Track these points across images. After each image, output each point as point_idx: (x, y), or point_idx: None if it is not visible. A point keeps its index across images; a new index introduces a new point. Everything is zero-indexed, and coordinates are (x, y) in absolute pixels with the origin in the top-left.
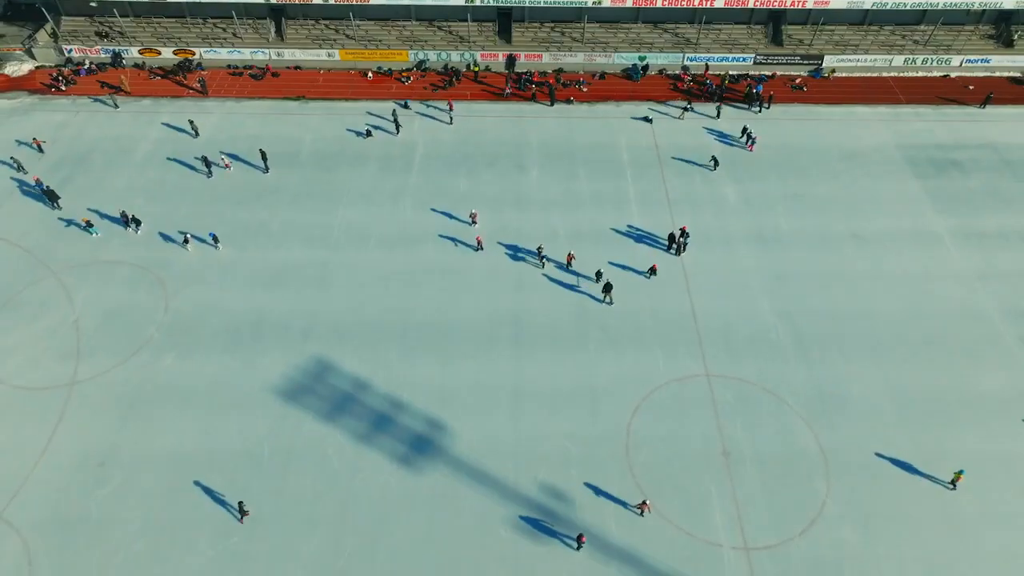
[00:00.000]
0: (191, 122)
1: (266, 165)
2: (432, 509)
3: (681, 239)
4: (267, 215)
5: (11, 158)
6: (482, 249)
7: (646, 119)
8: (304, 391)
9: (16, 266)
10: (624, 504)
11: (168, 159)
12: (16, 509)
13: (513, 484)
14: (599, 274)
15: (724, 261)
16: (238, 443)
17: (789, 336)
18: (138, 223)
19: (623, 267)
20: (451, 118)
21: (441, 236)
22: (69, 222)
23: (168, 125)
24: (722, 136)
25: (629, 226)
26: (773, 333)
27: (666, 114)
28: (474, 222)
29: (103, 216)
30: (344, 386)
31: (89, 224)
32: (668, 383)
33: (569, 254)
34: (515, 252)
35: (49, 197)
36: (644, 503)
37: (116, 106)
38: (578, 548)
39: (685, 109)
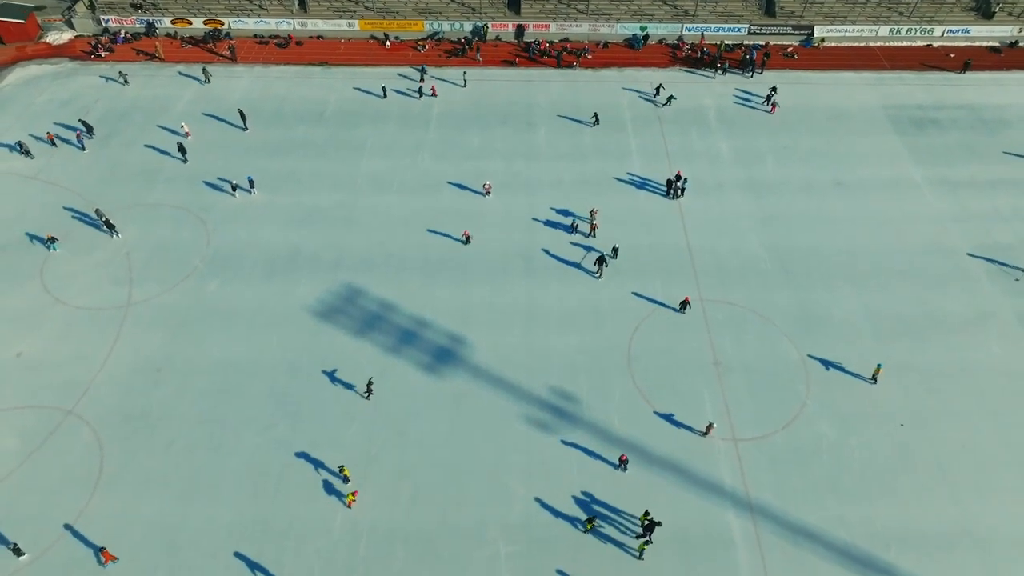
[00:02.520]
0: (204, 70)
1: (245, 124)
2: (455, 406)
3: (678, 183)
4: (296, 165)
5: (18, 143)
6: (469, 243)
7: (657, 92)
8: (337, 312)
9: (70, 206)
10: (626, 402)
11: (203, 115)
12: (85, 406)
13: (527, 387)
14: (616, 250)
15: (717, 205)
16: (279, 354)
17: (776, 267)
18: (112, 227)
19: (652, 299)
20: (465, 82)
21: (457, 185)
22: (33, 236)
23: (200, 80)
24: (723, 98)
25: (630, 174)
26: (762, 265)
27: (694, 73)
28: (487, 193)
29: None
30: (372, 308)
31: (52, 239)
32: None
33: (592, 224)
34: (526, 198)
35: (88, 130)
36: (710, 425)
37: (126, 83)
38: (619, 467)
39: (716, 70)
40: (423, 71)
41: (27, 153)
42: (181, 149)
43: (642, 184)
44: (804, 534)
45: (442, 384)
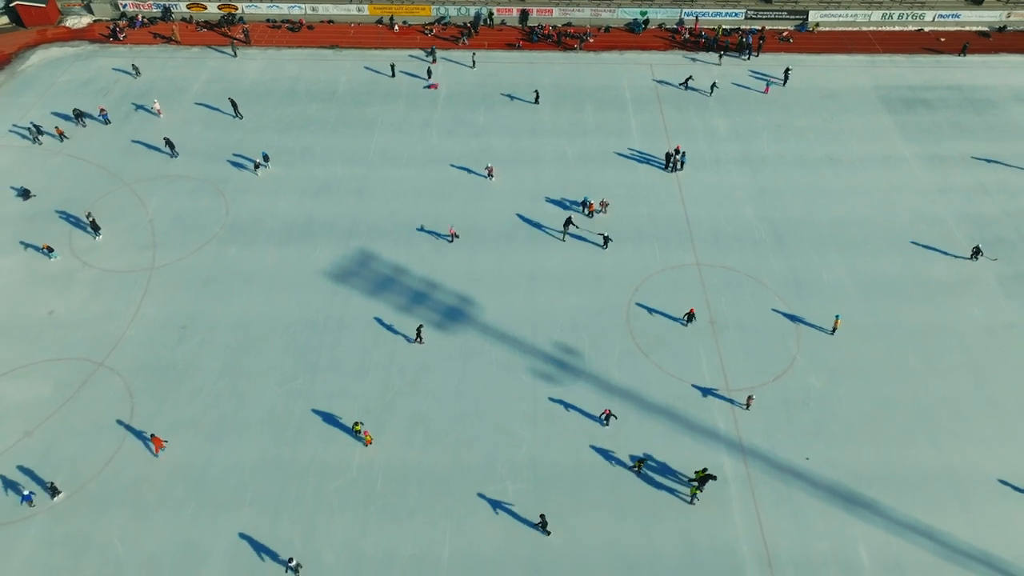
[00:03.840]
0: (232, 46)
1: (236, 112)
2: (464, 359)
3: (677, 156)
4: (310, 141)
5: (31, 125)
6: (456, 238)
7: (686, 84)
8: (351, 274)
9: (95, 179)
10: (625, 356)
11: (218, 96)
12: (116, 358)
13: (531, 342)
14: (607, 239)
15: (714, 178)
16: (297, 312)
17: (770, 235)
18: (97, 228)
19: (659, 311)
20: (473, 63)
21: (462, 165)
22: (28, 244)
23: (220, 52)
24: (721, 79)
25: (630, 148)
26: (756, 233)
27: (704, 60)
28: (490, 175)
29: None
30: (385, 271)
31: (50, 249)
32: (663, 270)
33: (591, 204)
34: (531, 172)
35: (78, 118)
36: (750, 397)
37: (138, 74)
38: (602, 421)
39: (720, 56)
40: (432, 53)
41: (36, 139)
42: (169, 144)
43: (642, 159)
44: (792, 473)
45: (452, 339)
